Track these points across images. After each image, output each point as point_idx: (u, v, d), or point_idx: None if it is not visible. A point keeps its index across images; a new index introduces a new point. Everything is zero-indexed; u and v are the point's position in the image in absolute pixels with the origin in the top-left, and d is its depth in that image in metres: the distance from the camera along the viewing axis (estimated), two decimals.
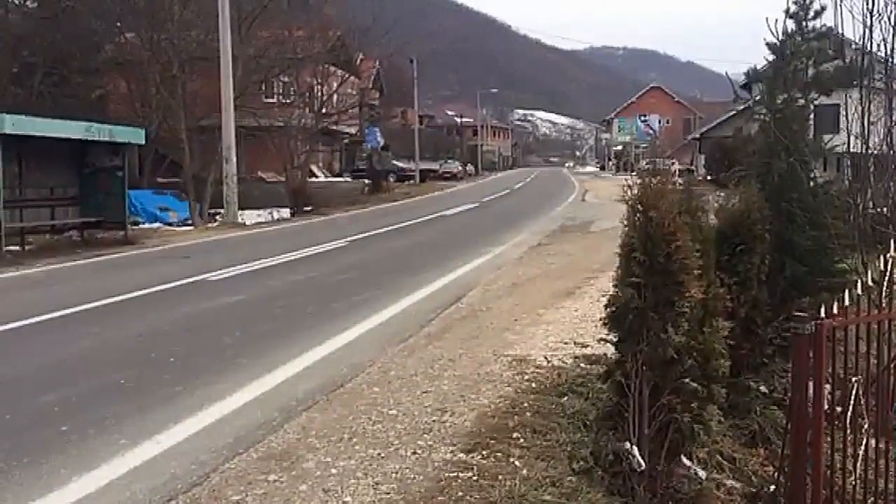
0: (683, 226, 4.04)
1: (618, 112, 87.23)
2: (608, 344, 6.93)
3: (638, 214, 4.09)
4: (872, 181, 8.45)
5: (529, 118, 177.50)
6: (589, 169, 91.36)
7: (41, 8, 31.96)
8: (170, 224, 27.19)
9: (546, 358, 6.35)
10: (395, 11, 49.93)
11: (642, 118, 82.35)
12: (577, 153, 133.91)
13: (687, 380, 4.03)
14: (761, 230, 6.46)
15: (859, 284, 5.14)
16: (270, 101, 35.85)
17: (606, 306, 4.36)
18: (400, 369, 6.06)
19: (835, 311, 4.41)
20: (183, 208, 29.74)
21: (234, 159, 22.57)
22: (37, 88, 28.93)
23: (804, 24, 19.64)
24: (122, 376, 6.07)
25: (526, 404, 5.16)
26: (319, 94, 35.19)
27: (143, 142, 18.81)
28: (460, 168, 63.91)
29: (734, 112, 46.84)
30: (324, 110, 35.56)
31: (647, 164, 62.67)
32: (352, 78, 40.41)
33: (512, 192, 41.39)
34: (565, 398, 5.39)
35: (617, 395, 4.20)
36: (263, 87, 35.04)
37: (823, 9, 18.05)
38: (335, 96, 37.70)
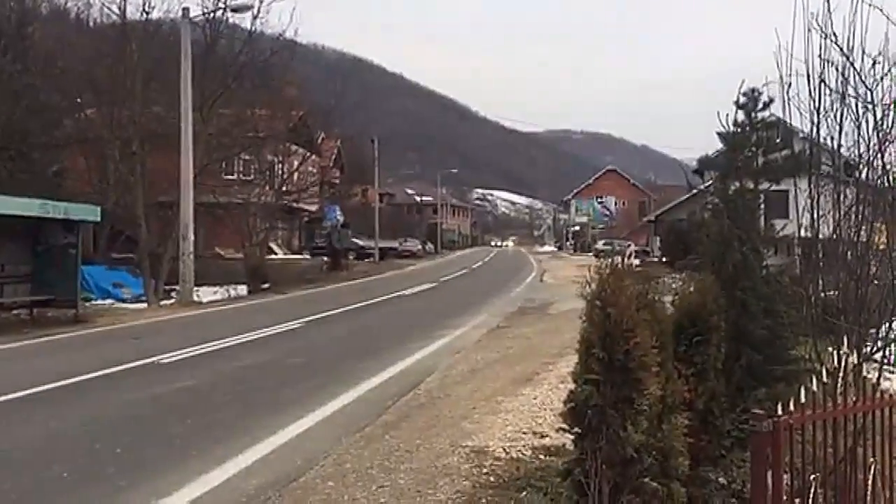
0: (642, 321, 4.05)
1: (575, 193, 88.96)
2: (567, 434, 6.99)
3: (596, 310, 4.09)
4: (822, 270, 8.65)
5: (489, 197, 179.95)
6: (547, 248, 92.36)
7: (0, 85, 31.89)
8: (123, 300, 26.63)
9: (504, 449, 6.25)
10: (358, 91, 50.84)
11: (599, 200, 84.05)
12: (536, 232, 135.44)
13: (647, 479, 3.98)
14: (717, 321, 6.51)
15: (814, 378, 5.19)
16: (230, 177, 35.89)
17: (566, 402, 4.31)
18: (355, 461, 5.91)
19: (791, 407, 4.42)
20: (137, 284, 29.22)
21: (192, 237, 22.36)
22: None
23: (753, 114, 20.37)
24: (65, 469, 5.81)
25: (484, 501, 5.04)
26: (280, 172, 35.34)
27: (99, 219, 18.59)
28: (420, 247, 64.20)
29: (687, 197, 48.17)
30: (284, 188, 35.67)
31: (603, 244, 63.94)
32: (313, 156, 40.72)
33: (471, 271, 41.55)
34: (524, 493, 5.28)
35: (577, 493, 4.11)
36: (223, 165, 35.11)
37: (772, 100, 18.61)
38: (296, 174, 37.89)
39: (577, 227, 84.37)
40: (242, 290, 28.13)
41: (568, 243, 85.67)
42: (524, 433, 6.80)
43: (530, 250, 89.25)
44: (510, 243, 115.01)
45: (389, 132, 63.63)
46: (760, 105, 16.55)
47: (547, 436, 6.72)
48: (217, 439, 6.66)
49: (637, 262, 36.55)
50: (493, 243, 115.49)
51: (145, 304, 25.31)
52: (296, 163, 37.34)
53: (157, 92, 27.43)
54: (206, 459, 6.00)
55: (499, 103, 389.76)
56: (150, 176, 26.93)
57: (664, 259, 36.63)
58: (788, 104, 8.65)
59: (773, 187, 10.65)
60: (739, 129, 17.18)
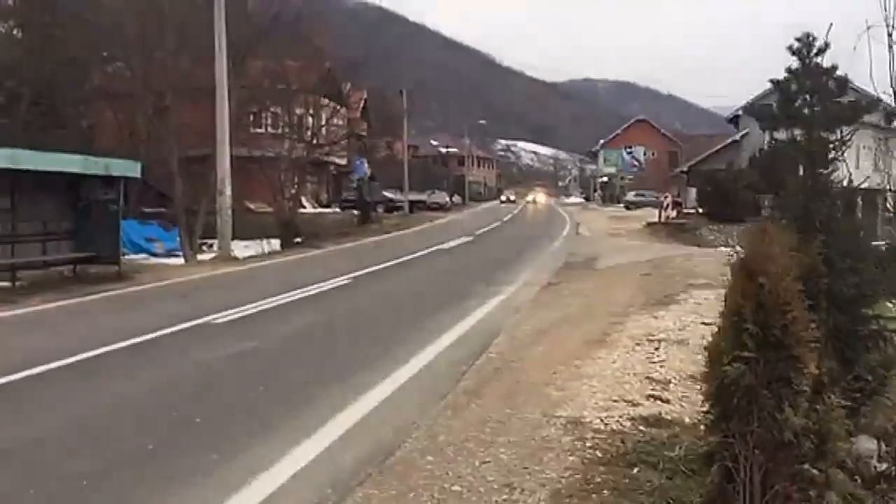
0: (798, 294, 3.69)
1: (603, 144, 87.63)
2: (659, 402, 6.71)
3: (745, 280, 3.74)
4: None
5: (513, 148, 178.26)
6: (574, 199, 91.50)
7: (27, 36, 31.56)
8: (155, 255, 26.62)
9: (602, 420, 5.95)
10: (380, 42, 49.99)
11: (628, 150, 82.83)
12: (560, 183, 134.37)
13: (806, 465, 3.66)
14: (825, 284, 6.15)
15: None
16: (259, 130, 35.60)
17: (707, 382, 3.97)
18: (448, 433, 5.64)
19: None
20: (169, 238, 29.19)
21: (229, 191, 22.09)
22: (22, 118, 28.44)
23: (808, 60, 19.45)
24: (149, 440, 5.60)
25: (599, 479, 4.75)
26: (311, 125, 34.91)
27: (139, 175, 18.30)
28: (448, 199, 63.77)
29: (723, 145, 47.22)
30: (315, 141, 35.29)
31: (634, 195, 63.11)
32: (342, 109, 40.23)
33: (503, 224, 41.19)
34: (636, 469, 4.98)
35: (724, 479, 3.81)
36: (252, 118, 34.78)
37: (828, 45, 17.65)
38: (325, 128, 37.49)
39: (606, 178, 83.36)
40: (275, 244, 28.02)
41: (596, 194, 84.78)
42: (615, 401, 6.49)
43: (558, 202, 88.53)
44: (538, 196, 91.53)
45: (411, 83, 62.56)
46: (815, 51, 15.53)
47: (640, 404, 6.43)
48: (297, 406, 6.44)
49: (674, 213, 36.03)
50: (503, 198, 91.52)
51: (181, 260, 25.28)
52: (325, 116, 36.88)
53: (187, 45, 26.98)
54: (292, 430, 5.76)
55: (521, 52, 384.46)
56: (180, 130, 26.63)
57: (701, 211, 35.97)
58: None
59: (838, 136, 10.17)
60: (793, 75, 16.19)
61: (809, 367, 3.66)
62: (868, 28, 7.66)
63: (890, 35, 7.45)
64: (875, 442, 5.99)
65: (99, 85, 32.18)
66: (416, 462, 5.08)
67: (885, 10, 7.18)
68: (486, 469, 4.93)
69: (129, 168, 17.85)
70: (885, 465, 5.53)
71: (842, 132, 9.61)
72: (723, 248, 25.01)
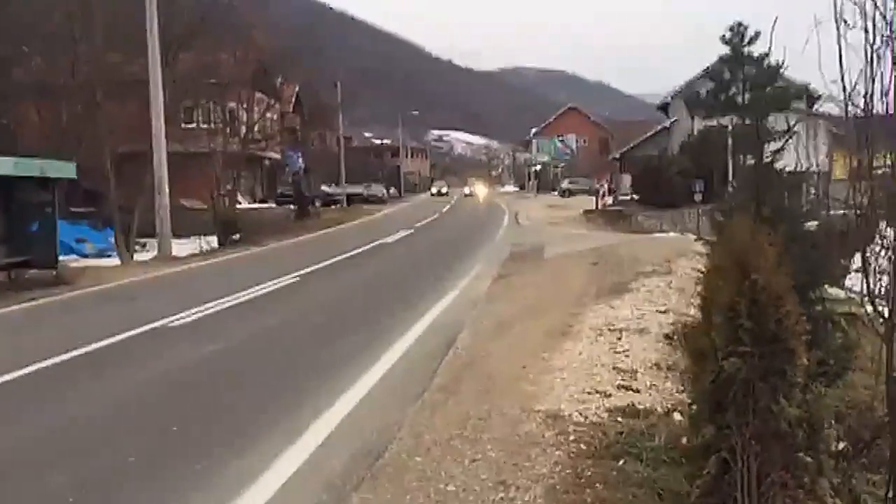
0: (790, 288, 3.83)
1: (535, 133, 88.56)
2: (630, 392, 6.86)
3: (736, 275, 3.86)
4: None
5: (445, 138, 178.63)
6: (508, 188, 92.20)
7: None
8: (86, 255, 25.85)
9: (580, 413, 6.06)
10: (310, 33, 49.33)
11: (560, 138, 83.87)
12: (493, 173, 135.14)
13: (800, 454, 3.81)
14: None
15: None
16: (190, 125, 34.86)
17: (698, 376, 4.08)
18: (432, 432, 5.67)
19: None
20: (100, 239, 28.40)
21: (167, 189, 21.59)
22: None
23: (740, 50, 20.07)
24: (130, 453, 5.48)
25: (589, 473, 4.85)
26: (246, 119, 34.35)
27: (75, 176, 17.76)
28: (384, 192, 63.55)
29: (653, 132, 48.22)
30: (249, 136, 34.75)
31: (568, 182, 63.97)
32: (276, 104, 39.68)
33: (441, 215, 41.29)
34: (622, 462, 5.09)
35: (721, 469, 3.93)
36: (182, 113, 34.03)
37: (758, 34, 18.38)
38: (259, 122, 36.94)
39: (539, 167, 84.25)
40: (213, 241, 27.53)
41: (530, 183, 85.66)
42: (588, 393, 6.61)
43: (495, 192, 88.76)
44: (477, 188, 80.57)
45: (342, 74, 61.91)
46: (746, 40, 16.12)
47: (612, 395, 6.56)
48: (274, 410, 6.38)
49: (610, 200, 36.72)
50: (433, 190, 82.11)
51: (115, 261, 24.63)
52: (259, 110, 36.34)
53: (114, 39, 26.21)
54: (274, 436, 5.71)
55: (451, 42, 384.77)
56: (110, 127, 25.89)
57: (635, 197, 36.72)
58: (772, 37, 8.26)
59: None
60: (724, 64, 16.86)
61: (802, 359, 3.80)
62: (817, 24, 7.93)
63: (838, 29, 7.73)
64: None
65: (21, 81, 30.98)
66: (406, 463, 5.09)
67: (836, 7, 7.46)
68: (476, 467, 4.98)
69: (65, 169, 17.35)
70: (842, 445, 5.79)
71: (788, 120, 9.93)
72: (658, 235, 25.67)
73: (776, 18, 8.92)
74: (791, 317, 3.78)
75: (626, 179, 41.58)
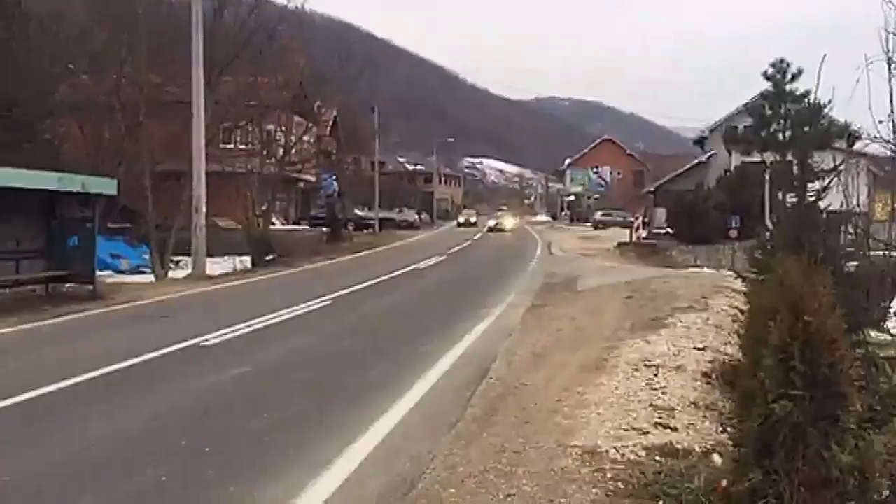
0: (844, 332, 3.73)
1: (570, 163, 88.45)
2: (668, 430, 6.72)
3: (790, 317, 3.76)
4: None
5: (478, 166, 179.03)
6: (541, 218, 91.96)
7: None
8: (121, 271, 26.17)
9: (617, 450, 5.93)
10: (347, 59, 49.82)
11: (594, 170, 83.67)
12: (526, 201, 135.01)
13: (851, 502, 3.68)
14: None
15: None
16: (228, 146, 35.29)
17: (743, 417, 3.98)
18: (466, 464, 5.58)
19: None
20: (134, 255, 28.73)
21: (204, 209, 21.83)
22: None
23: (783, 87, 19.75)
24: (161, 472, 5.46)
25: None
26: (283, 141, 34.73)
27: (116, 192, 18.01)
28: (416, 217, 63.71)
29: (689, 166, 47.90)
30: (287, 158, 35.10)
31: (602, 214, 63.66)
32: (314, 127, 40.11)
33: (473, 242, 41.24)
34: (661, 502, 4.98)
35: None
36: (221, 134, 34.48)
37: (801, 71, 18.05)
38: (297, 144, 37.32)
39: (573, 197, 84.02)
40: (246, 262, 27.72)
41: (563, 213, 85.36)
42: (625, 430, 6.48)
43: (526, 221, 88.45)
44: (504, 221, 62.04)
45: (379, 99, 62.43)
46: (789, 77, 15.75)
47: (649, 433, 6.42)
48: (305, 437, 6.33)
49: (644, 233, 36.42)
50: (461, 219, 70.95)
51: (149, 277, 24.89)
52: (298, 133, 36.72)
53: (160, 61, 26.72)
54: (306, 462, 5.66)
55: (486, 70, 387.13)
56: (150, 145, 26.32)
57: (670, 231, 36.36)
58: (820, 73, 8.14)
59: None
60: (765, 100, 16.51)
61: (855, 404, 3.69)
62: (868, 63, 7.84)
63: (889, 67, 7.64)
64: None
65: (65, 98, 31.65)
66: (439, 495, 5.01)
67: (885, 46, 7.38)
68: (510, 502, 4.89)
69: (106, 185, 17.56)
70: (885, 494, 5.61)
71: (834, 159, 9.78)
72: (693, 270, 25.38)
73: (824, 56, 8.79)
74: (845, 361, 3.68)
75: (661, 213, 41.24)
